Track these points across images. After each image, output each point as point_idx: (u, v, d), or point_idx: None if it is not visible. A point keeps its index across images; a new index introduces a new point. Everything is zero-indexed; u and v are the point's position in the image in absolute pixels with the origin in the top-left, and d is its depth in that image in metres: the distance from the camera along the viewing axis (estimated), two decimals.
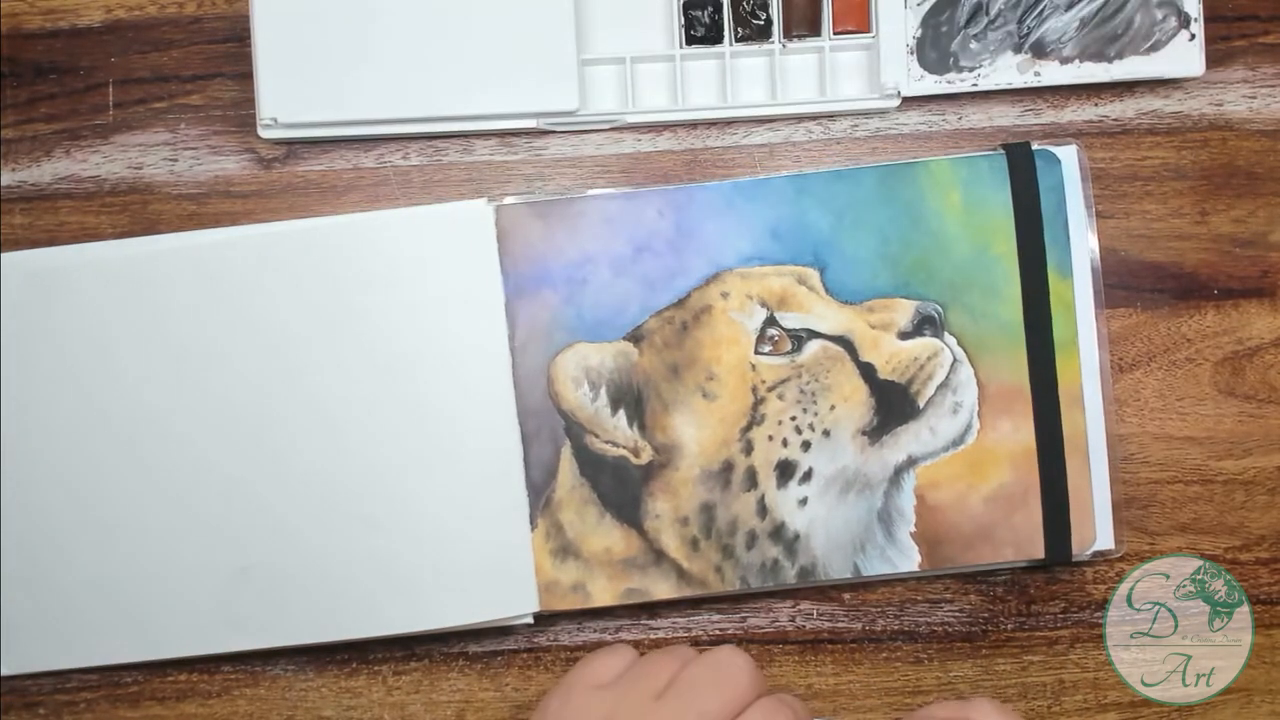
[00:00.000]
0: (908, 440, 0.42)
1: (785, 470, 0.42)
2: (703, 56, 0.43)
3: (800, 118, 0.44)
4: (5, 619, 0.42)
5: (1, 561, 0.42)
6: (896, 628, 0.43)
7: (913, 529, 0.42)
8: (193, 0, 0.43)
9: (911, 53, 0.42)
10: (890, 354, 0.42)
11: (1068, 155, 0.42)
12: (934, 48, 0.42)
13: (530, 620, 0.42)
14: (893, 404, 0.42)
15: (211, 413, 0.41)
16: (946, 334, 0.42)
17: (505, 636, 0.43)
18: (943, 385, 0.42)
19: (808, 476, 0.42)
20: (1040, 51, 0.42)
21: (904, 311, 0.42)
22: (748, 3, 0.42)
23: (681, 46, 0.43)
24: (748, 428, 0.41)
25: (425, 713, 0.43)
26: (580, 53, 0.42)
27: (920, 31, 0.42)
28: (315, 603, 0.41)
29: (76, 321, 0.42)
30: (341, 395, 0.41)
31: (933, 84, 0.42)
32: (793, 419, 0.41)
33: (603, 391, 0.42)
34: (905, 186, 0.42)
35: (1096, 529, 0.42)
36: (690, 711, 0.35)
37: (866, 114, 0.44)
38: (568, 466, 0.41)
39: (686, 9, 0.43)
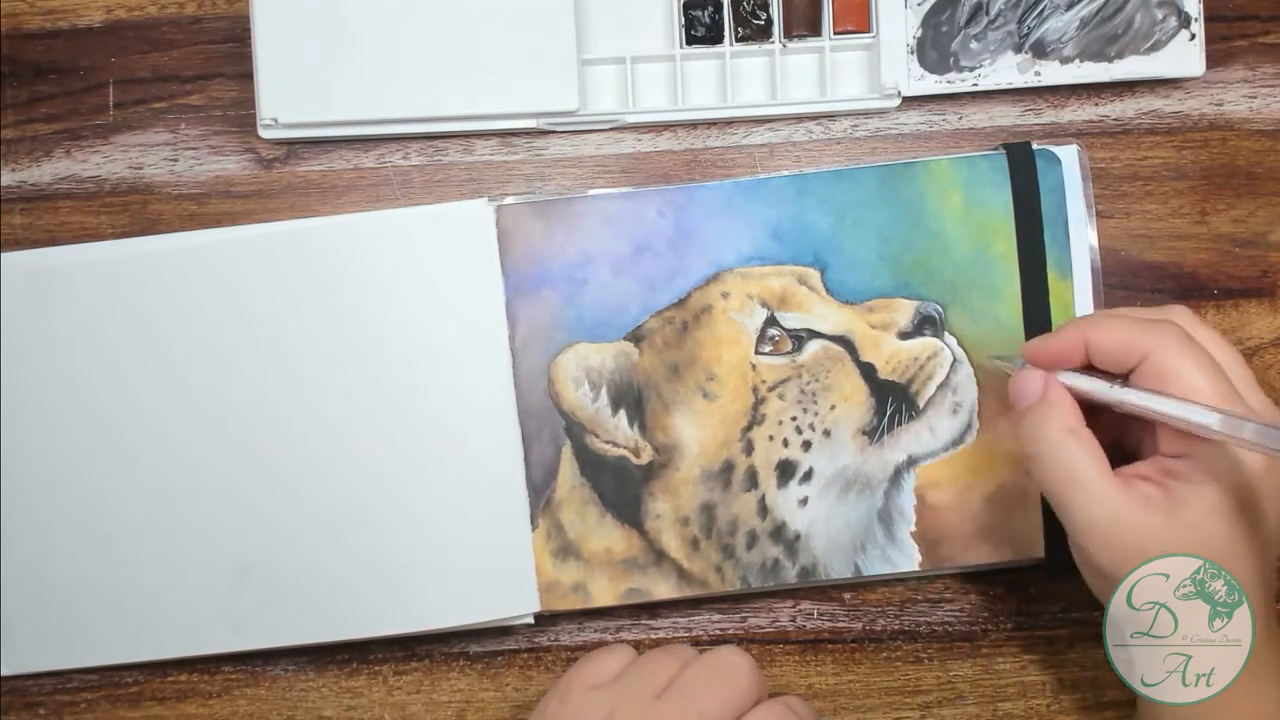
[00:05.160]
0: (908, 440, 0.42)
1: (786, 470, 0.42)
2: (703, 56, 0.43)
3: (800, 118, 0.44)
4: (5, 619, 0.42)
5: (2, 561, 0.42)
6: (896, 627, 0.43)
7: (913, 529, 0.42)
8: (193, 0, 0.43)
9: (911, 52, 0.42)
10: (890, 354, 0.42)
11: (1068, 155, 0.42)
12: (934, 47, 0.42)
13: (531, 620, 0.42)
14: (893, 404, 0.42)
15: (212, 413, 0.41)
16: (947, 334, 0.42)
17: (506, 636, 0.43)
18: (943, 385, 0.42)
19: (808, 476, 0.42)
20: (1040, 51, 0.42)
21: (904, 311, 0.42)
22: (748, 3, 0.42)
23: (681, 46, 0.43)
24: (748, 428, 0.41)
25: (426, 713, 0.43)
26: (580, 53, 0.42)
27: (920, 31, 0.42)
28: (315, 603, 0.41)
29: (76, 322, 0.41)
30: (342, 395, 0.41)
31: (933, 84, 0.42)
32: (793, 419, 0.42)
33: (603, 391, 0.42)
34: (905, 186, 0.42)
35: None
36: (690, 712, 0.35)
37: (866, 114, 0.44)
38: (568, 467, 0.41)
39: (686, 9, 0.43)
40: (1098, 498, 0.33)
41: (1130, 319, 0.34)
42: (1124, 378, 0.34)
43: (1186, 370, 0.33)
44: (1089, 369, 0.35)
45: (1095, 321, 0.35)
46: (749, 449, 0.42)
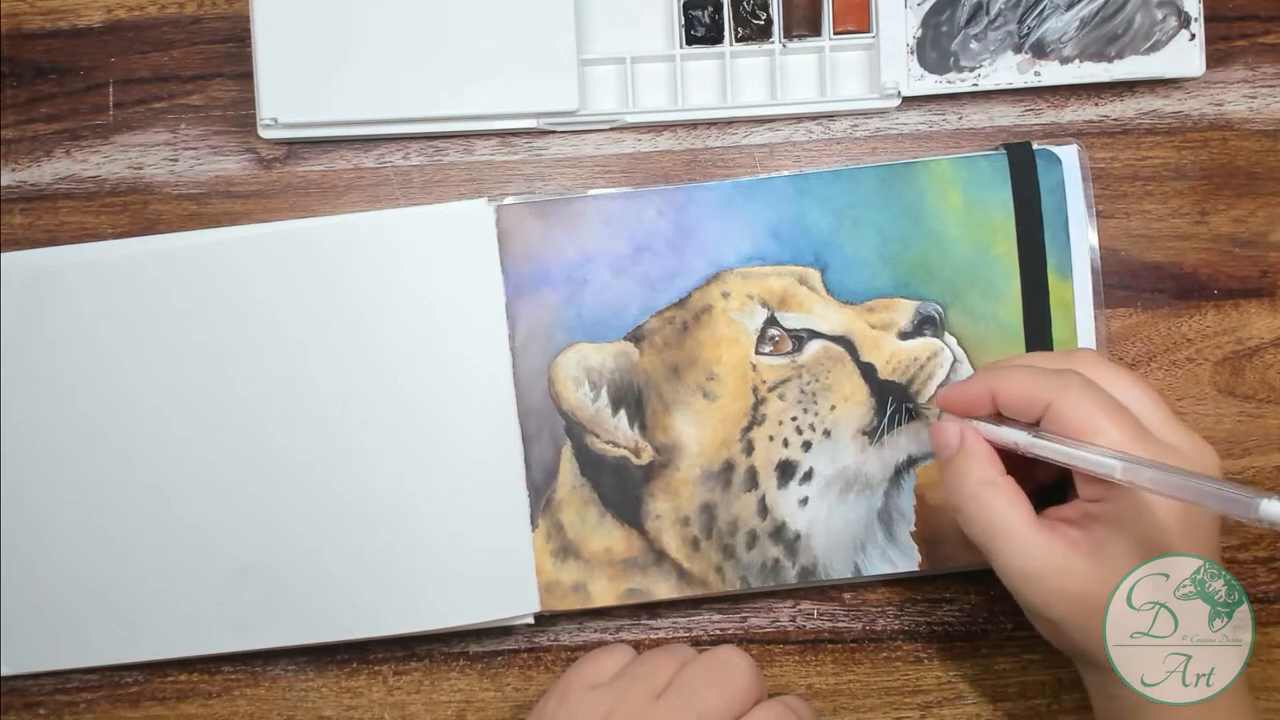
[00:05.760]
0: (908, 440, 0.42)
1: (786, 470, 0.42)
2: (703, 56, 0.43)
3: (800, 118, 0.44)
4: (5, 619, 0.42)
5: (2, 562, 0.42)
6: (896, 628, 0.43)
7: (913, 529, 0.42)
8: (193, 0, 0.43)
9: (911, 52, 0.42)
10: (891, 354, 0.42)
11: (1068, 155, 0.42)
12: (934, 47, 0.42)
13: (531, 620, 0.42)
14: (893, 404, 0.42)
15: (211, 412, 0.41)
16: (947, 334, 0.42)
17: (506, 636, 0.43)
18: (943, 385, 0.42)
19: (808, 476, 0.42)
20: (1040, 51, 0.42)
21: (904, 311, 0.42)
22: (748, 3, 0.42)
23: (681, 46, 0.43)
24: (748, 428, 0.41)
25: (426, 713, 0.43)
26: (580, 53, 0.42)
27: (920, 31, 0.42)
28: (315, 603, 0.41)
29: (76, 322, 0.42)
30: (342, 395, 0.41)
31: (933, 84, 0.42)
32: (793, 419, 0.42)
33: (603, 392, 0.42)
34: (905, 186, 0.42)
35: None
36: (689, 711, 0.35)
37: (866, 114, 0.44)
38: (568, 467, 0.41)
39: (686, 9, 0.43)
40: (1021, 544, 0.34)
41: (1032, 369, 0.35)
42: (1035, 424, 0.35)
43: (1088, 416, 0.33)
44: (1002, 417, 0.36)
45: (1000, 372, 0.36)
46: (749, 449, 0.42)
